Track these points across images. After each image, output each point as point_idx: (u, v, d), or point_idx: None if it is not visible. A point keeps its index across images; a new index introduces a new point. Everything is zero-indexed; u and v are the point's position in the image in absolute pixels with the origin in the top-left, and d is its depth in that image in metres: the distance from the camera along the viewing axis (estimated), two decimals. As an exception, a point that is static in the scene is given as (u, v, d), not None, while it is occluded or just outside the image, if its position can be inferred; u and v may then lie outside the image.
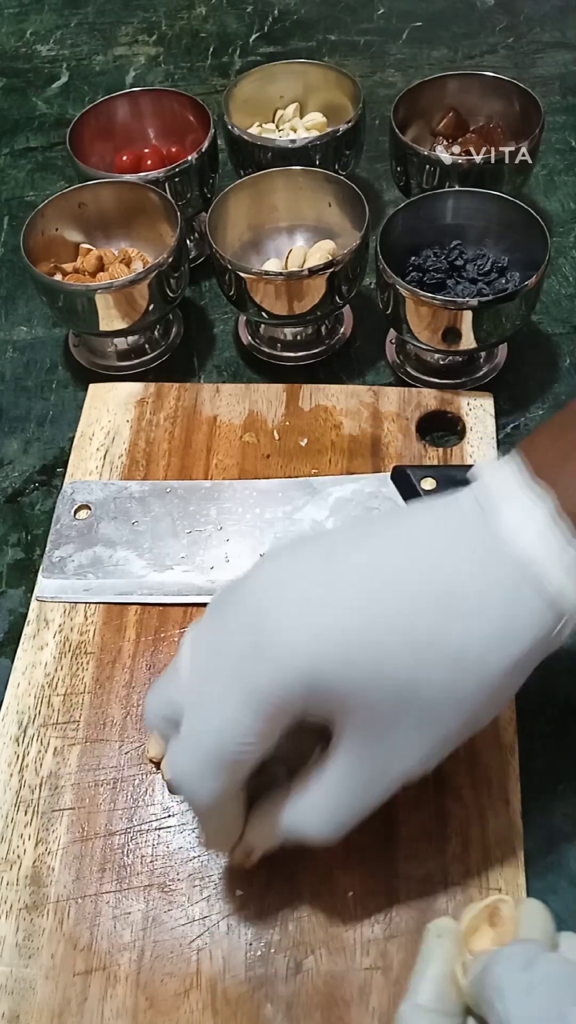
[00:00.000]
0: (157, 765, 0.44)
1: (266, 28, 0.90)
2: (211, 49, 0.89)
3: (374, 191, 0.73)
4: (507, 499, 0.34)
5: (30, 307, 0.68)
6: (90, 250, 0.63)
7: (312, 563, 0.35)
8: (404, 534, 0.35)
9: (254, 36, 0.90)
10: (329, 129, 0.64)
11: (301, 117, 0.71)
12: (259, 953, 0.40)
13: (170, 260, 0.57)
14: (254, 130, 0.69)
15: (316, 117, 0.70)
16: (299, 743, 0.37)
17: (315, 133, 0.65)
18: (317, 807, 0.36)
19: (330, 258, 0.58)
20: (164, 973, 0.39)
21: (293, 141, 0.64)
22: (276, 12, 0.92)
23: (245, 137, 0.64)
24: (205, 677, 0.35)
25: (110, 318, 0.57)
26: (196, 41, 0.90)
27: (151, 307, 0.58)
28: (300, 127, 0.70)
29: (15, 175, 0.78)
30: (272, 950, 0.40)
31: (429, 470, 0.52)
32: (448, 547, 0.34)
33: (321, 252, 0.60)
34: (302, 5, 0.92)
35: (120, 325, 0.58)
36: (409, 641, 0.33)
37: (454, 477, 0.51)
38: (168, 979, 0.39)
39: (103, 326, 0.58)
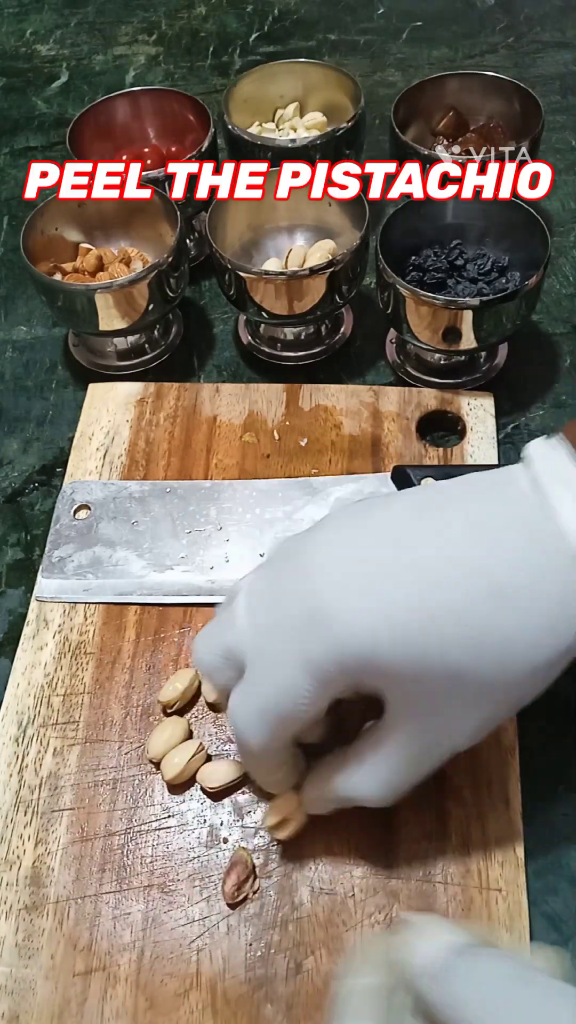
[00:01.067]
0: (157, 765, 0.44)
1: (266, 28, 0.90)
2: (211, 49, 0.89)
3: (374, 191, 0.73)
4: (564, 487, 0.34)
5: (30, 307, 0.68)
6: (90, 250, 0.63)
7: (372, 539, 0.36)
8: (463, 517, 0.36)
9: (254, 36, 0.90)
10: (329, 128, 0.64)
11: (301, 116, 0.71)
12: (259, 953, 0.39)
13: (170, 260, 0.57)
14: (254, 129, 0.68)
15: (316, 116, 0.70)
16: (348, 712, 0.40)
17: (315, 132, 0.65)
18: (375, 775, 0.38)
19: (330, 258, 0.57)
20: (164, 973, 0.39)
21: (293, 140, 0.63)
22: (276, 12, 0.92)
23: (245, 137, 0.64)
24: (264, 634, 0.37)
25: (110, 318, 0.57)
26: (196, 41, 0.90)
27: (151, 307, 0.58)
28: (300, 127, 0.69)
29: (15, 175, 0.78)
30: (272, 950, 0.40)
31: (429, 470, 0.52)
32: (506, 535, 0.35)
33: (321, 252, 0.60)
34: (302, 5, 0.92)
35: (120, 325, 0.58)
36: (464, 628, 0.34)
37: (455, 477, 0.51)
38: (168, 979, 0.39)
39: (103, 326, 0.58)
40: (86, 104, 0.69)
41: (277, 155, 0.63)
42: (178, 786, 0.44)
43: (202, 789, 0.44)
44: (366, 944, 0.36)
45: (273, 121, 0.71)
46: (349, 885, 0.41)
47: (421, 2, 0.91)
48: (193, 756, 0.44)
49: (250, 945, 0.40)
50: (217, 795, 0.44)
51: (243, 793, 0.44)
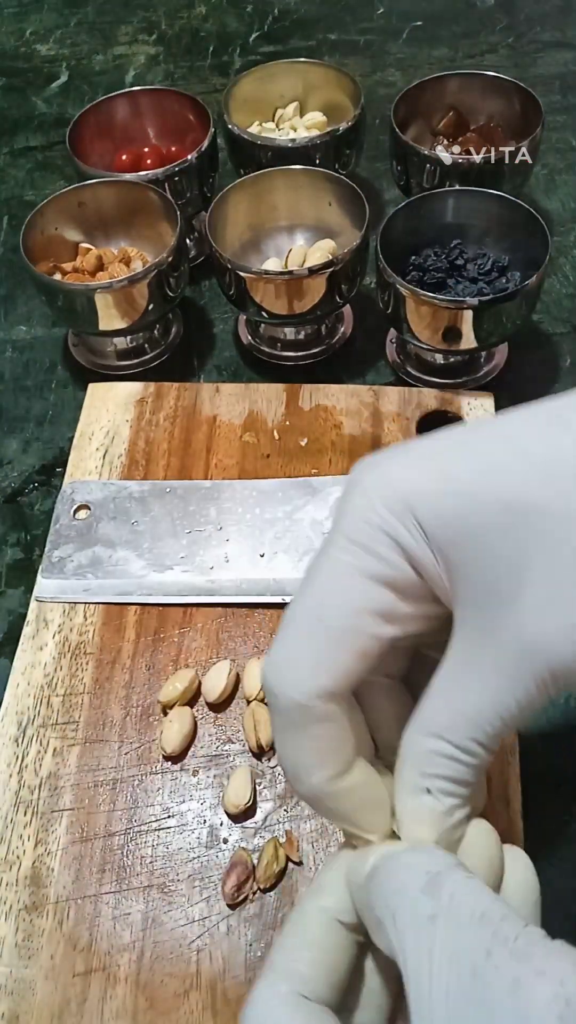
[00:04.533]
0: (173, 760, 0.45)
1: (266, 27, 0.90)
2: (211, 48, 0.89)
3: (374, 190, 0.73)
4: None
5: (29, 307, 0.68)
6: (90, 249, 0.63)
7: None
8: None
9: (254, 35, 0.90)
10: (329, 128, 0.64)
11: (301, 116, 0.71)
12: (259, 953, 0.39)
13: (170, 259, 0.57)
14: (254, 129, 0.68)
15: (316, 116, 0.70)
16: None
17: (315, 132, 0.65)
18: (451, 712, 0.28)
19: (330, 257, 0.57)
20: (164, 974, 0.39)
21: (293, 140, 0.63)
22: (276, 11, 0.92)
23: (245, 136, 0.64)
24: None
25: (109, 317, 0.57)
26: (196, 40, 0.90)
27: (151, 306, 0.58)
28: (300, 126, 0.69)
29: (15, 174, 0.78)
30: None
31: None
32: None
33: (321, 251, 0.60)
34: (302, 4, 0.92)
35: (120, 325, 0.58)
36: (524, 450, 0.26)
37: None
38: (168, 980, 0.39)
39: (103, 326, 0.58)
40: (86, 104, 0.69)
41: (277, 155, 0.63)
42: (220, 703, 0.46)
43: (226, 812, 0.43)
44: (323, 869, 0.30)
45: (273, 121, 0.71)
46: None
47: (421, 2, 0.91)
48: (229, 673, 0.46)
49: (250, 945, 0.40)
50: (238, 816, 0.43)
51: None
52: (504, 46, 0.86)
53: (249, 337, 0.64)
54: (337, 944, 0.28)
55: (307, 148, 0.63)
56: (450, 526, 0.27)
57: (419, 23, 0.89)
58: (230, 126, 0.65)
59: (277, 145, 0.63)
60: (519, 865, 0.29)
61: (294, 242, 0.63)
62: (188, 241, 0.68)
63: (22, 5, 0.96)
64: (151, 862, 0.42)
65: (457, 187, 0.60)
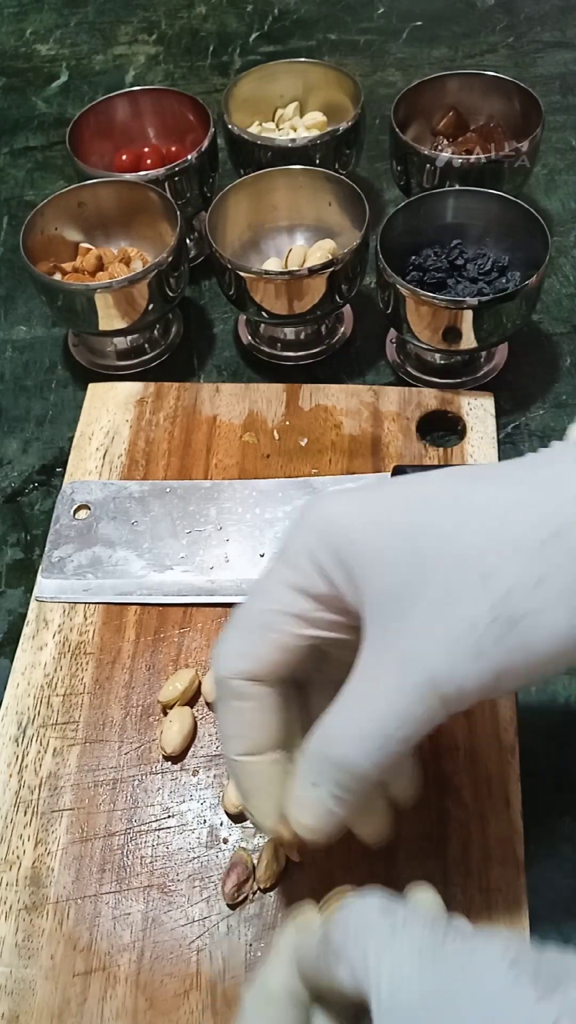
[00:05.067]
0: (174, 760, 0.45)
1: (266, 27, 0.90)
2: (211, 48, 0.89)
3: (374, 190, 0.73)
4: None
5: (29, 307, 0.68)
6: (89, 249, 0.63)
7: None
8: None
9: (254, 35, 0.90)
10: (329, 128, 0.64)
11: (301, 116, 0.71)
12: (259, 953, 0.39)
13: (170, 259, 0.57)
14: (254, 129, 0.68)
15: (316, 116, 0.70)
16: None
17: (315, 132, 0.65)
18: (350, 720, 0.32)
19: (330, 257, 0.57)
20: (164, 974, 0.39)
21: (293, 140, 0.63)
22: (276, 11, 0.92)
23: (245, 136, 0.64)
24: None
25: (109, 317, 0.57)
26: (196, 40, 0.90)
27: (151, 306, 0.58)
28: (300, 126, 0.69)
29: (15, 174, 0.78)
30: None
31: (429, 470, 0.52)
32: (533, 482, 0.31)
33: (321, 251, 0.60)
34: (302, 4, 0.92)
35: (120, 324, 0.58)
36: (427, 498, 0.31)
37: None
38: (168, 980, 0.39)
39: (103, 325, 0.58)
40: (86, 104, 0.69)
41: (277, 155, 0.63)
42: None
43: (226, 811, 0.43)
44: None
45: (273, 121, 0.71)
46: (348, 885, 0.41)
47: (421, 2, 0.91)
48: None
49: (250, 945, 0.40)
50: (238, 816, 0.43)
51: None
52: (504, 46, 0.86)
53: (249, 337, 0.64)
54: (289, 1017, 0.30)
55: (307, 148, 0.63)
56: (359, 548, 0.31)
57: (419, 23, 0.89)
58: (230, 126, 0.65)
59: (277, 145, 0.63)
60: (426, 896, 0.34)
61: (294, 242, 0.63)
62: (188, 241, 0.68)
63: (22, 5, 0.96)
64: (151, 862, 0.42)
65: (457, 187, 0.60)
